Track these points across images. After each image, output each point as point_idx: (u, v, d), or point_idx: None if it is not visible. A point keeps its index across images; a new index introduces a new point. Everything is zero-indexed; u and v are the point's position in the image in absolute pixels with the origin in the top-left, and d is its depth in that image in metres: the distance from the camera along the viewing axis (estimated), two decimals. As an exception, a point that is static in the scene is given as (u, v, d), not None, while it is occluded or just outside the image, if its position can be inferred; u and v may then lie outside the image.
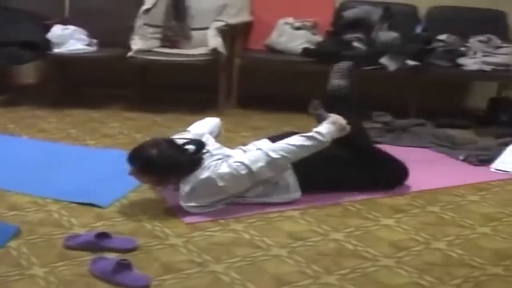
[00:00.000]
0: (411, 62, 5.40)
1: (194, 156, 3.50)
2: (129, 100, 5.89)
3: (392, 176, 3.89)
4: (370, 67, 5.39)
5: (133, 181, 3.65)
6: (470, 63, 5.42)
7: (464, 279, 2.86)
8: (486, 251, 3.14)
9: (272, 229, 3.35)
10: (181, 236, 3.22)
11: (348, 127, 3.61)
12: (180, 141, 3.60)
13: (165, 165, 3.44)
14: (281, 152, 3.47)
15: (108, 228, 3.24)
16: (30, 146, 4.63)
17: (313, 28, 5.86)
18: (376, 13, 5.65)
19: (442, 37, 5.55)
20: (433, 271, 2.93)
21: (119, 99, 5.96)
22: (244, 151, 3.71)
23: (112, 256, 2.93)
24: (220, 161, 3.48)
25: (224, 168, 3.43)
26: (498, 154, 4.54)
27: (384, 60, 5.39)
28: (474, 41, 5.54)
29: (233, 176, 3.43)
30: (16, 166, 4.14)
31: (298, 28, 5.78)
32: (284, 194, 3.63)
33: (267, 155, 3.45)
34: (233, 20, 5.79)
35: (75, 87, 6.26)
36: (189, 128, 3.89)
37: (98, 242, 3.02)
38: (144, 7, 5.91)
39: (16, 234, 3.15)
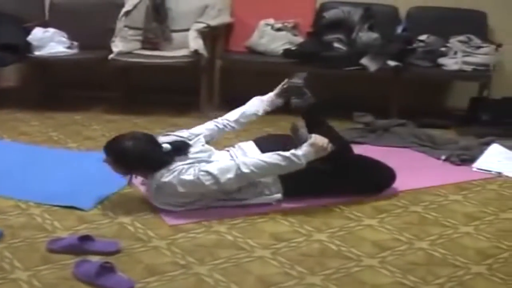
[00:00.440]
0: (392, 63, 5.41)
1: (166, 156, 3.50)
2: (110, 103, 5.86)
3: (379, 181, 3.88)
4: (351, 68, 5.40)
5: (116, 184, 3.65)
6: (450, 63, 5.44)
7: (448, 279, 2.88)
8: (469, 250, 3.16)
9: (255, 230, 3.35)
10: (164, 238, 3.22)
11: (329, 147, 3.50)
12: (162, 139, 3.62)
13: (134, 159, 3.48)
14: (253, 168, 3.44)
15: (91, 231, 3.23)
16: (11, 149, 4.60)
17: (294, 29, 5.86)
18: (356, 14, 5.65)
19: (423, 37, 5.57)
20: (416, 270, 2.94)
21: (100, 101, 5.93)
22: (231, 156, 3.72)
23: (96, 259, 2.93)
24: (188, 166, 3.46)
25: (188, 175, 3.42)
26: (480, 154, 4.57)
27: (365, 61, 5.39)
28: (454, 41, 5.56)
29: (195, 184, 3.43)
30: (-3, 169, 4.12)
31: (279, 29, 5.77)
32: (264, 196, 3.63)
33: (238, 168, 3.43)
34: (213, 22, 5.77)
35: (57, 90, 6.22)
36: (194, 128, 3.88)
37: (81, 245, 3.01)
38: (125, 9, 5.87)
39: (-2, 238, 3.14)
